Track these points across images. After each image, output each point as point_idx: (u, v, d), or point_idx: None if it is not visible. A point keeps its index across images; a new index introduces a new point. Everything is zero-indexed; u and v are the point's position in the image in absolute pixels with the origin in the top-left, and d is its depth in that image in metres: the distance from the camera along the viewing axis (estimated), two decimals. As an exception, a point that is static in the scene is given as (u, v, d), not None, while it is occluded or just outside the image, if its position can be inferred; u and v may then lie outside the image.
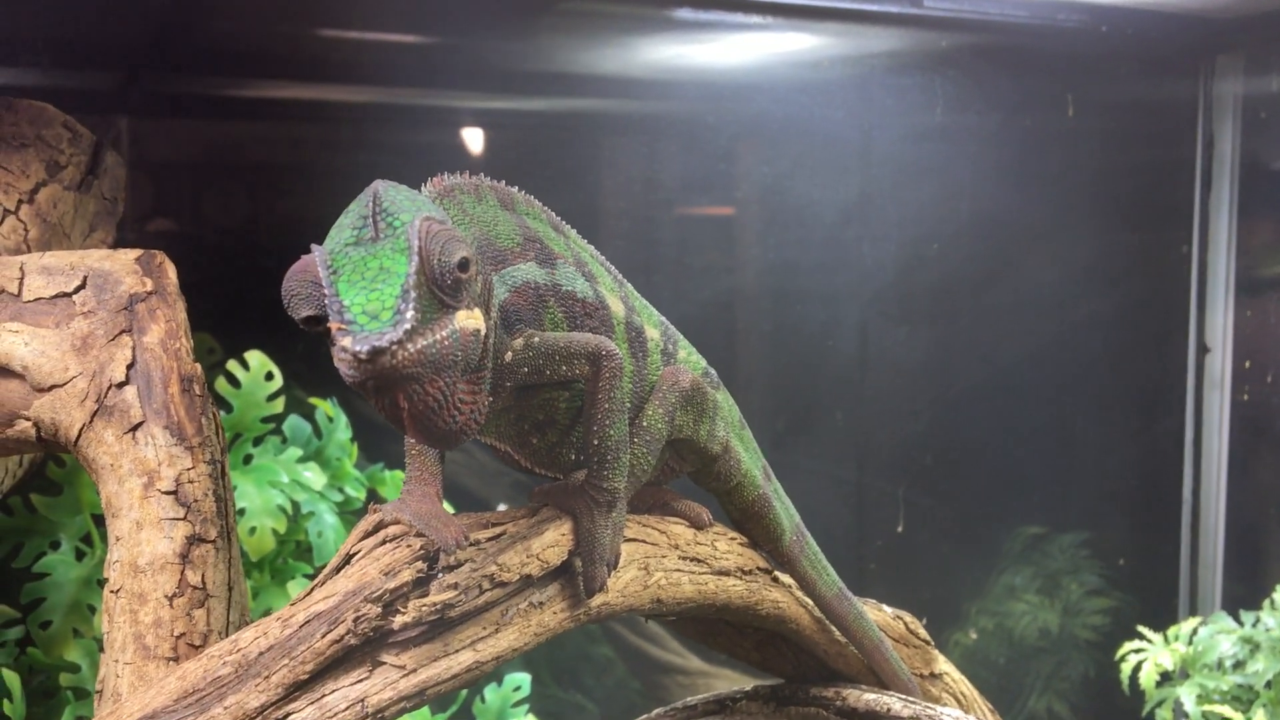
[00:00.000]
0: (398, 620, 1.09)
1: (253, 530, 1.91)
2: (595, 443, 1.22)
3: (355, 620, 1.07)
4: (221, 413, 2.01)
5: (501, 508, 2.59)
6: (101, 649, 1.79)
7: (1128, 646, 2.66)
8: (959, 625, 3.17)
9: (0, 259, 1.38)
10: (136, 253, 1.38)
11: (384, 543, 1.14)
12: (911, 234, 2.93)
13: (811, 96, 2.86)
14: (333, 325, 0.94)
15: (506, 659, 1.16)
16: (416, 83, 2.68)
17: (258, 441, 2.03)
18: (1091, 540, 3.23)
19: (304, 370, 2.30)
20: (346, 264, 0.98)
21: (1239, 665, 2.66)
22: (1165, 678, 2.66)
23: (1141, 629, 2.68)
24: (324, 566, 2.01)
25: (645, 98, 2.91)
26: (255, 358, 2.02)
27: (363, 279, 0.97)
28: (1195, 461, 3.13)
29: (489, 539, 1.19)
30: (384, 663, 1.09)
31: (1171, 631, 2.69)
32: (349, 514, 2.12)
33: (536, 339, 1.17)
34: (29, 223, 1.59)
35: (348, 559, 1.15)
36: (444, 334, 0.97)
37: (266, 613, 1.97)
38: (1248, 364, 3.05)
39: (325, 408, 2.14)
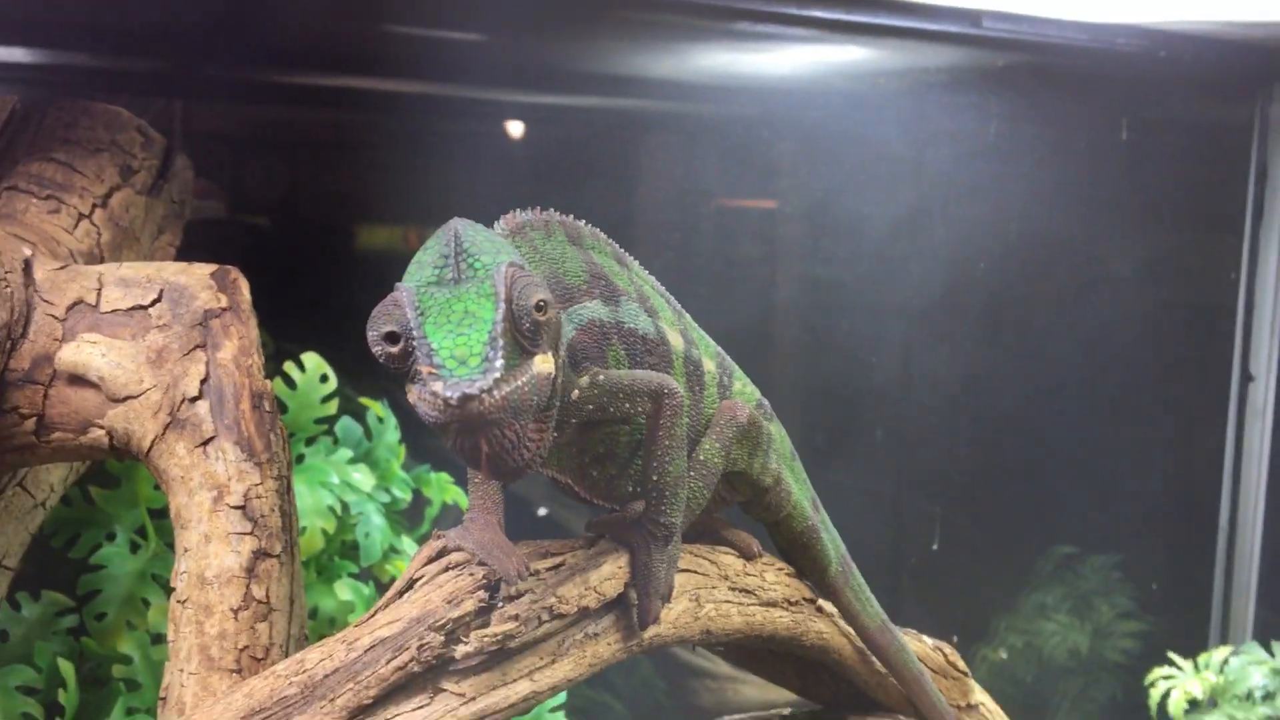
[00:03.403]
0: (460, 650, 1.11)
1: (303, 530, 1.94)
2: (655, 478, 1.25)
3: (419, 648, 1.10)
4: (275, 412, 2.05)
5: (542, 511, 2.61)
6: (154, 642, 1.84)
7: (1157, 673, 2.67)
8: (989, 642, 3.18)
9: (79, 269, 1.41)
10: (211, 268, 1.42)
11: (447, 569, 1.17)
12: (960, 252, 2.93)
13: (866, 111, 2.87)
14: (423, 368, 0.97)
15: (561, 689, 1.19)
16: (473, 80, 2.70)
17: (310, 442, 2.07)
18: (1124, 563, 3.23)
19: (355, 369, 2.33)
20: (432, 305, 1.01)
21: (1269, 697, 2.66)
22: (1193, 705, 2.66)
23: (1171, 655, 2.68)
24: (371, 568, 2.06)
25: (699, 104, 2.93)
26: (311, 359, 2.05)
27: (449, 322, 0.99)
28: (1233, 489, 3.13)
29: (548, 569, 1.21)
30: (444, 690, 1.11)
31: (1202, 659, 2.70)
32: (395, 514, 2.16)
33: (601, 377, 1.20)
34: (102, 227, 1.62)
35: (411, 584, 1.18)
36: (524, 380, 1.00)
37: (313, 611, 2.01)
38: (1292, 395, 3.05)
39: (376, 409, 2.17)
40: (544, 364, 1.03)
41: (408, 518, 2.22)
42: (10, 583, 1.67)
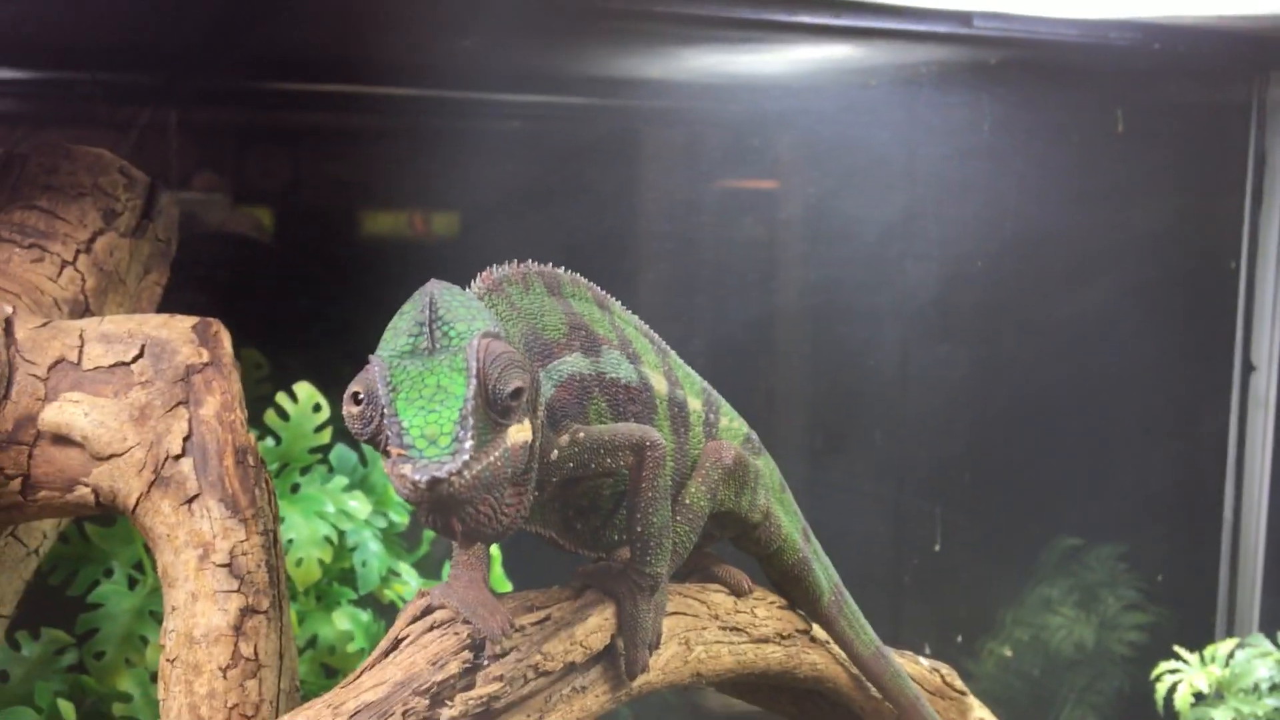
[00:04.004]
0: (445, 714, 1.12)
1: (299, 561, 1.95)
2: (639, 530, 1.25)
3: (404, 714, 1.10)
4: (269, 441, 2.05)
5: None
6: (153, 679, 1.85)
7: (1163, 666, 2.66)
8: (995, 636, 3.18)
9: (61, 325, 1.41)
10: (193, 320, 1.41)
11: (432, 629, 1.17)
12: (955, 251, 2.92)
13: (859, 110, 2.85)
14: (393, 450, 0.97)
15: (549, 744, 1.19)
16: (487, 85, 2.69)
17: (305, 471, 2.07)
18: (1129, 553, 3.23)
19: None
20: (404, 379, 1.00)
21: (1275, 689, 2.66)
22: (1199, 698, 2.66)
23: (1177, 649, 2.68)
24: (370, 596, 2.06)
25: (691, 103, 2.92)
26: (303, 389, 2.05)
27: (420, 397, 0.98)
28: (1237, 480, 3.12)
29: (534, 623, 1.21)
30: (431, 754, 1.12)
31: (1208, 652, 2.69)
32: (393, 537, 2.16)
33: (582, 434, 1.19)
34: (86, 273, 1.62)
35: (396, 643, 1.18)
36: (496, 454, 0.99)
37: (312, 640, 2.02)
38: (1294, 384, 3.03)
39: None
40: (519, 433, 1.03)
41: (406, 539, 2.22)
42: (6, 629, 1.68)
